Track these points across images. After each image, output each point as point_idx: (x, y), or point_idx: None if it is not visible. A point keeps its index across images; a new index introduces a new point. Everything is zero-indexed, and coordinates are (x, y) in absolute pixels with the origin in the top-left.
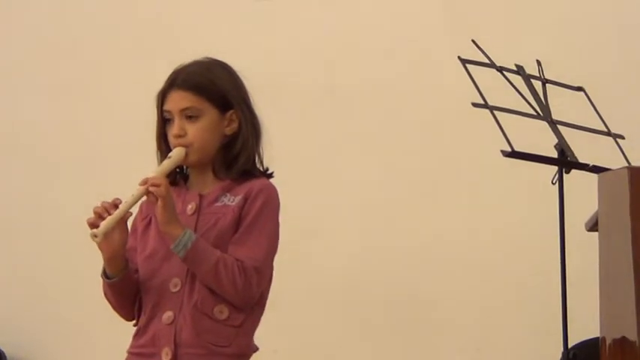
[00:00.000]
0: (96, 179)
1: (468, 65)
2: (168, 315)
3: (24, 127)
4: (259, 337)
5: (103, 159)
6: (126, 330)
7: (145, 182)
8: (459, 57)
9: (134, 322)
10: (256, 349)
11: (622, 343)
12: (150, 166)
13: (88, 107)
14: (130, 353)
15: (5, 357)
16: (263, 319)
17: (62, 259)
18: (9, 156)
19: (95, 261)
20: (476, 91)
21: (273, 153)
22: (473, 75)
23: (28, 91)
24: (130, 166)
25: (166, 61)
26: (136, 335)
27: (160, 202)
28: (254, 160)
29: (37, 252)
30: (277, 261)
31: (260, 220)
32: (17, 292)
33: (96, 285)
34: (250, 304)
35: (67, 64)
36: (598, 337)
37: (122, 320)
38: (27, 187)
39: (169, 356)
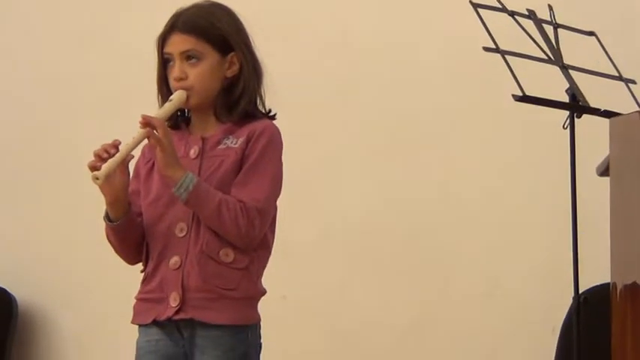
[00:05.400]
0: (101, 124)
1: (479, 10)
2: (174, 260)
3: (25, 80)
4: (269, 283)
5: (106, 102)
6: (135, 276)
7: (144, 122)
8: (470, 1)
9: (142, 268)
10: (264, 292)
11: (633, 288)
12: (151, 110)
13: (90, 52)
14: (138, 299)
15: (16, 303)
16: (272, 264)
17: (75, 204)
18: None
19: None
20: (487, 36)
21: (286, 98)
22: (485, 20)
23: (32, 40)
24: (133, 110)
25: (167, 5)
26: (144, 281)
27: (157, 147)
28: (255, 102)
29: (48, 198)
30: (288, 207)
31: (263, 160)
32: (28, 239)
33: None
34: (253, 245)
35: (71, 11)
36: (609, 283)
37: (131, 267)
38: (40, 131)
39: (177, 301)
